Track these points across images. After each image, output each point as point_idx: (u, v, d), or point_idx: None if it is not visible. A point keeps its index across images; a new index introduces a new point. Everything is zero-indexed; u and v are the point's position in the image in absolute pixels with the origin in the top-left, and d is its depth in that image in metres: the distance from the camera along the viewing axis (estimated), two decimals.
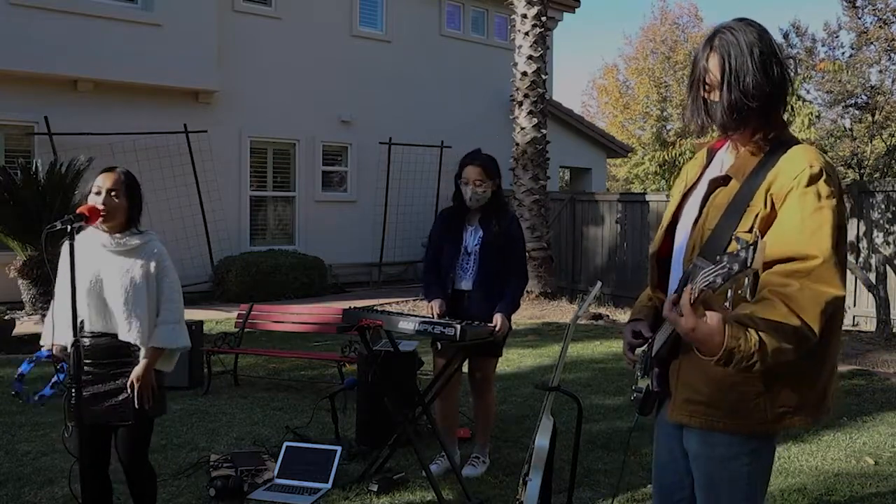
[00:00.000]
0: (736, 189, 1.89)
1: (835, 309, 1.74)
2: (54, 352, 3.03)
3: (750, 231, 1.82)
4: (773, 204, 1.82)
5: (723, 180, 1.94)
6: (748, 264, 1.48)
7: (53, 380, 3.09)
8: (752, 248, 1.48)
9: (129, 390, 2.98)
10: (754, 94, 1.83)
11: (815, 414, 1.88)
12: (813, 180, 1.79)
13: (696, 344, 1.70)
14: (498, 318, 3.99)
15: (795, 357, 1.72)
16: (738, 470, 1.90)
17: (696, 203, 2.00)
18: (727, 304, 1.58)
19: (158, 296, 3.05)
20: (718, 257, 1.56)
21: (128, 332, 2.99)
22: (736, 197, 1.88)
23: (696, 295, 1.63)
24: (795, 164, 1.82)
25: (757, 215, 1.82)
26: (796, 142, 1.91)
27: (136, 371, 2.98)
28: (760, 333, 1.66)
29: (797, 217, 1.77)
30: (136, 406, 2.97)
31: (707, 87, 1.91)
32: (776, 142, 1.90)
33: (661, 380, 1.99)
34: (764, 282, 1.72)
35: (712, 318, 1.65)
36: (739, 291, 1.54)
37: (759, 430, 1.87)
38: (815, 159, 1.82)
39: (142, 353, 3.01)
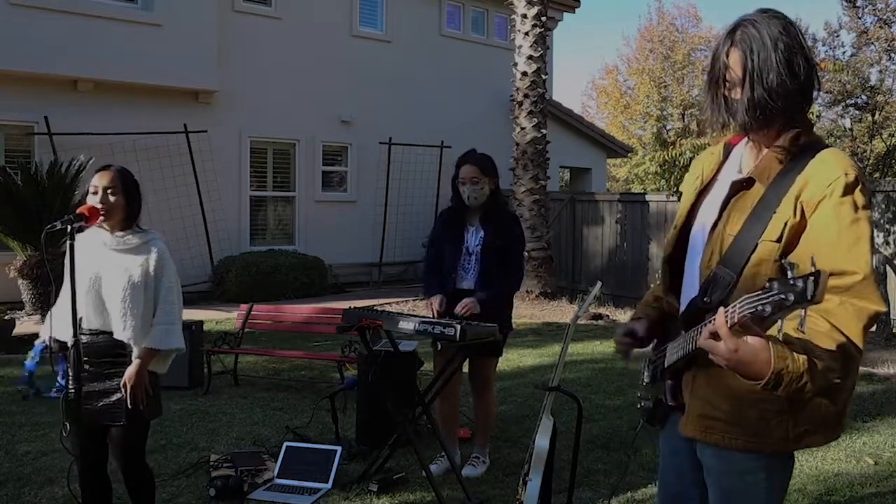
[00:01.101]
0: (760, 193, 1.78)
1: (873, 325, 1.66)
2: (48, 343, 3.02)
3: (779, 241, 1.71)
4: (802, 212, 1.71)
5: (745, 182, 1.83)
6: (809, 297, 1.34)
7: (59, 372, 3.09)
8: (813, 279, 1.34)
9: (122, 390, 2.96)
10: (778, 92, 1.72)
11: (833, 432, 1.81)
12: (849, 190, 1.68)
13: (739, 367, 1.57)
14: (467, 301, 3.99)
15: (842, 376, 1.63)
16: (756, 484, 1.82)
17: (715, 205, 1.88)
18: (778, 334, 1.48)
19: (156, 296, 3.03)
20: (767, 283, 1.42)
21: (122, 330, 2.97)
22: (761, 202, 1.77)
23: (736, 320, 1.50)
24: (829, 171, 1.71)
25: (786, 224, 1.71)
26: (824, 145, 1.81)
27: (129, 371, 2.95)
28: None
29: (833, 229, 1.67)
30: (129, 406, 2.94)
31: (728, 83, 1.80)
32: (803, 144, 1.78)
33: (675, 392, 1.91)
34: None
35: (755, 338, 1.53)
36: (798, 327, 1.41)
37: (778, 448, 1.79)
38: (849, 166, 1.71)
39: (134, 352, 2.98)
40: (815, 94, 1.81)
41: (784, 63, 1.72)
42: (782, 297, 1.38)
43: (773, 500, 1.85)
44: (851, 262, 1.64)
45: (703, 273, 1.84)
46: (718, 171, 1.98)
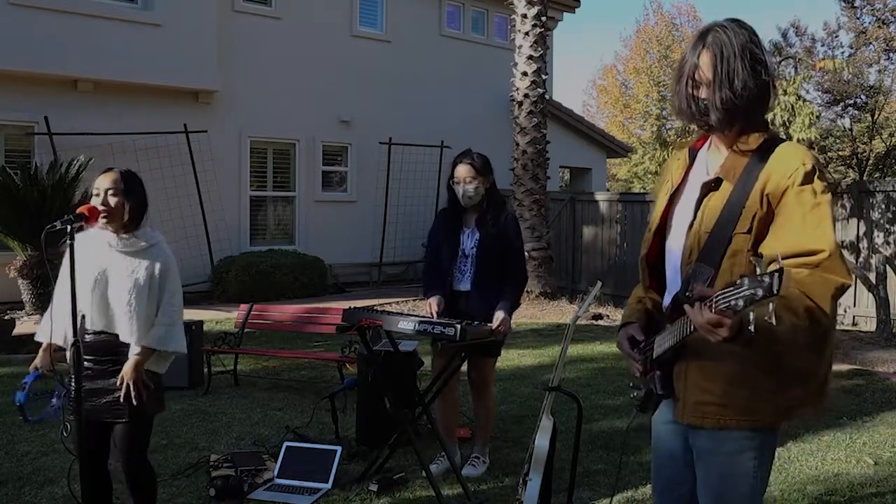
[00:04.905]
0: (729, 191, 1.93)
1: (841, 297, 1.80)
2: (39, 365, 3.04)
3: (749, 232, 1.86)
4: (769, 204, 1.87)
5: (714, 183, 1.97)
6: (774, 291, 1.48)
7: (51, 407, 3.10)
8: (777, 274, 1.47)
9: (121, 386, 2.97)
10: (743, 95, 1.88)
11: (818, 404, 1.94)
12: (808, 178, 1.85)
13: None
14: (499, 316, 3.99)
15: (809, 339, 1.78)
16: (745, 464, 1.95)
17: (689, 206, 2.02)
18: (750, 327, 1.56)
19: (159, 298, 3.06)
20: (738, 280, 1.56)
21: (128, 333, 3.00)
22: (730, 199, 1.92)
23: (713, 314, 1.64)
24: (788, 163, 1.87)
25: (755, 216, 1.87)
26: (782, 140, 1.96)
27: (126, 367, 2.97)
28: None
29: (798, 215, 1.83)
30: (123, 401, 2.96)
31: (695, 83, 1.93)
32: (763, 141, 1.94)
33: (665, 382, 2.01)
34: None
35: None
36: (766, 318, 1.52)
37: (768, 423, 1.93)
38: (806, 157, 1.88)
39: (132, 350, 3.00)
40: (772, 100, 1.97)
41: (749, 69, 1.89)
42: (752, 292, 1.52)
43: (760, 478, 1.98)
44: (817, 241, 1.79)
45: (683, 270, 1.97)
46: (686, 174, 2.11)
